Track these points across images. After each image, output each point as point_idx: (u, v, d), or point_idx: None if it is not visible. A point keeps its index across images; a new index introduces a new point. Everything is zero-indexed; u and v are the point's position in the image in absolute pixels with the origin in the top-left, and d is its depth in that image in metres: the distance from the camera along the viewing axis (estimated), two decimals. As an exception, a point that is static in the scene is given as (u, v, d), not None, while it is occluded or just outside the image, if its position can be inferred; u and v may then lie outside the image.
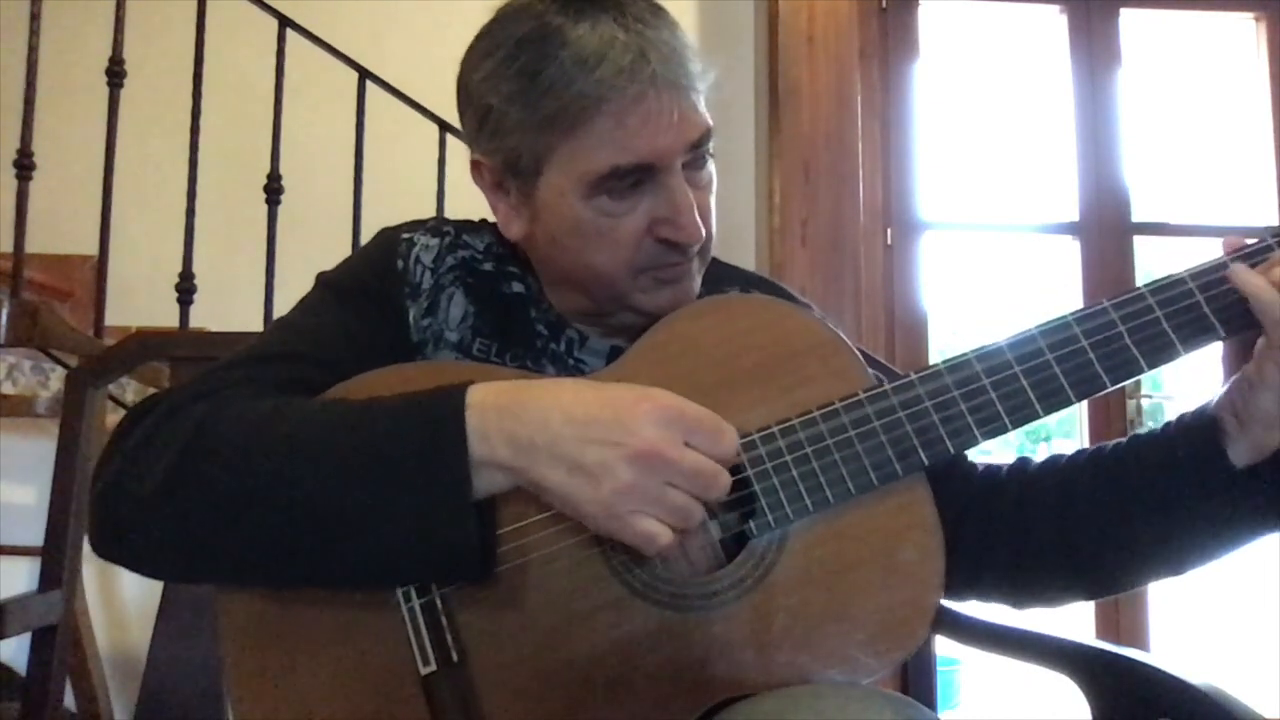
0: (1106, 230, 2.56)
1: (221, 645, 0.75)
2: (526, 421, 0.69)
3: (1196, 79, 2.90)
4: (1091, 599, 0.88)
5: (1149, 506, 0.79)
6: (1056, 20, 2.67)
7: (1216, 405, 0.78)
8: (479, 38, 0.83)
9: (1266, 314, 0.72)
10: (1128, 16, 2.66)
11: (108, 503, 0.72)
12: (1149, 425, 2.43)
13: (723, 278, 0.93)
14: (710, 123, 0.80)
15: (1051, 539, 0.83)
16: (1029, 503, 0.84)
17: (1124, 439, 0.84)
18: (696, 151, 0.80)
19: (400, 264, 0.86)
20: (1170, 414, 0.80)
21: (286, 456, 0.70)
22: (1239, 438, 0.76)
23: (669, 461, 0.67)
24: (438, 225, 0.90)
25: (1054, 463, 0.86)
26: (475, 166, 0.85)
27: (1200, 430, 0.78)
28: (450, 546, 0.69)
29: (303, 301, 0.88)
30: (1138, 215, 2.60)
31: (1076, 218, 2.59)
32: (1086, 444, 2.61)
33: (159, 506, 0.70)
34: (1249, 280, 0.73)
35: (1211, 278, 0.76)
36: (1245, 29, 2.74)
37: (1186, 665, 0.86)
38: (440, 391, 0.71)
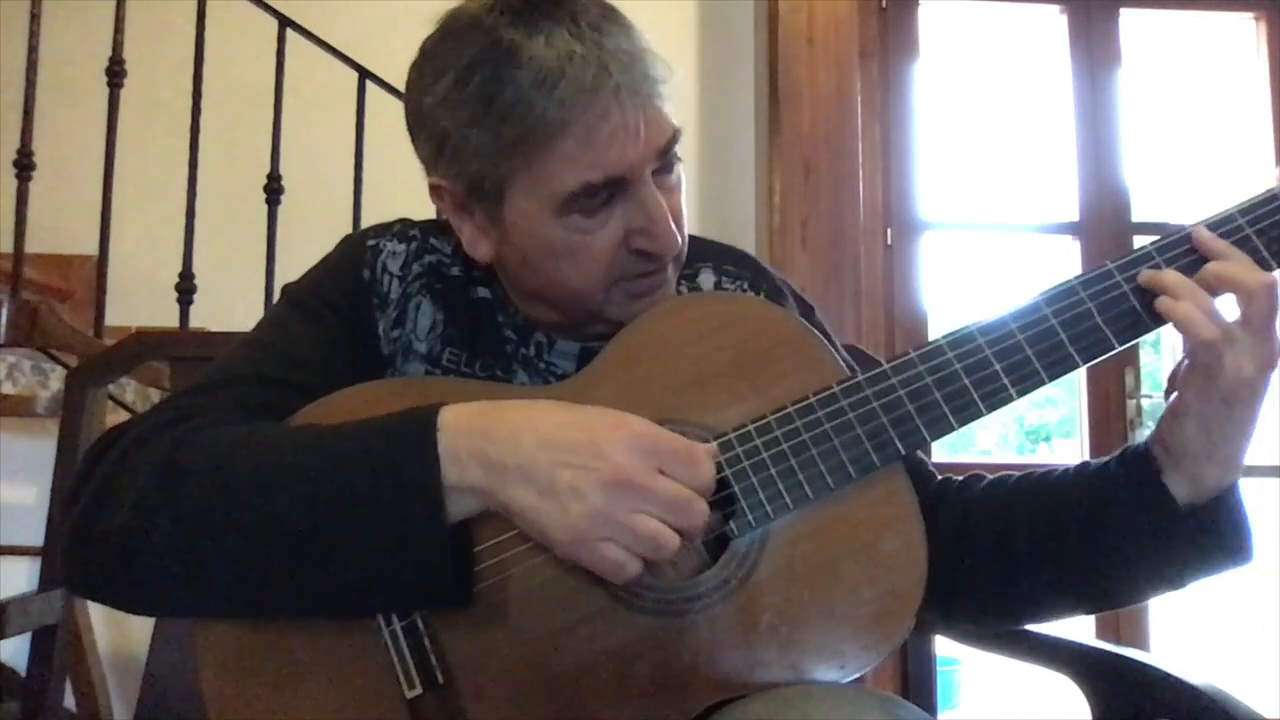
0: (1106, 230, 2.56)
1: (200, 677, 0.73)
2: (498, 442, 0.68)
3: (1196, 79, 2.89)
4: (1027, 624, 0.87)
5: (1086, 540, 0.78)
6: (1056, 20, 2.67)
7: (1151, 439, 0.77)
8: (426, 56, 0.79)
9: (1189, 326, 0.72)
10: (1128, 16, 2.66)
11: (79, 539, 0.71)
12: (1149, 425, 2.43)
13: (697, 255, 0.90)
14: (677, 125, 0.78)
15: (987, 562, 0.82)
16: (970, 524, 0.83)
17: (1072, 466, 0.83)
18: (665, 157, 0.77)
19: (367, 274, 0.84)
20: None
21: (257, 486, 0.68)
22: (1174, 472, 0.75)
23: (641, 489, 0.65)
24: (404, 229, 0.88)
25: (1000, 484, 0.85)
26: (435, 190, 0.82)
27: (1141, 464, 0.77)
28: (425, 575, 0.67)
29: (270, 317, 0.86)
30: (1138, 215, 2.60)
31: (1076, 218, 2.59)
32: (1087, 444, 2.61)
33: (130, 541, 0.68)
34: (1172, 307, 0.72)
35: (1176, 251, 0.76)
36: (1245, 29, 2.74)
37: (1186, 665, 0.86)
38: (411, 414, 0.70)
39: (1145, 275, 0.75)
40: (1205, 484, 0.74)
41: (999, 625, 0.86)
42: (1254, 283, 0.72)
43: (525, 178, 0.76)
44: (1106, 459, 0.81)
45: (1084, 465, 0.82)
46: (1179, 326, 0.72)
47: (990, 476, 0.87)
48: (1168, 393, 0.77)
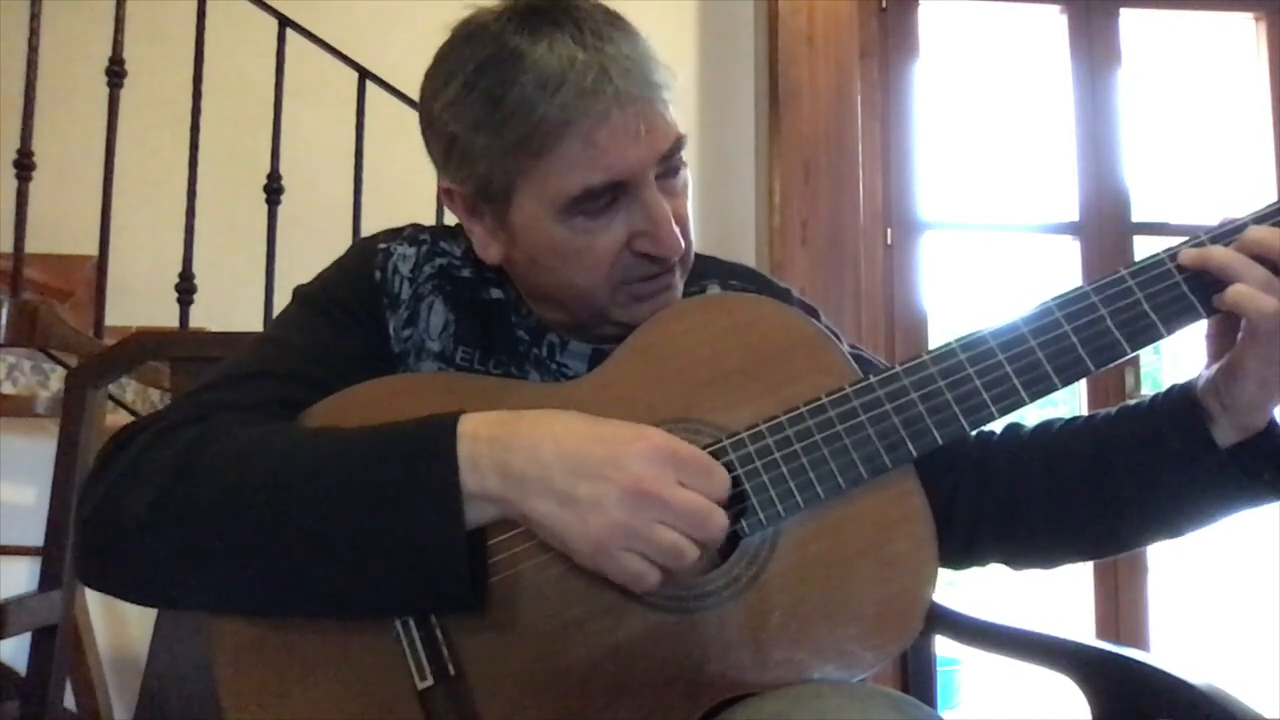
0: (1106, 230, 2.57)
1: (214, 666, 0.74)
2: (517, 452, 0.68)
3: (1196, 79, 2.89)
4: (1086, 560, 0.90)
5: (1136, 483, 0.80)
6: (1056, 20, 2.68)
7: (1200, 390, 0.78)
8: (437, 61, 0.81)
9: (1247, 306, 0.71)
10: (1128, 16, 2.66)
11: (94, 530, 0.71)
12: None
13: (703, 272, 0.92)
14: (681, 130, 0.79)
15: (1041, 507, 0.84)
16: (1019, 471, 0.85)
17: (1113, 409, 0.84)
18: (669, 162, 0.79)
19: (378, 275, 0.86)
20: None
21: (275, 488, 0.69)
22: (1223, 420, 0.77)
23: (660, 500, 0.66)
24: (414, 233, 0.90)
25: (1045, 430, 0.87)
26: (447, 194, 0.84)
27: (1185, 412, 0.78)
28: (441, 580, 0.68)
29: (282, 317, 0.87)
30: (1138, 215, 2.60)
31: (1076, 218, 2.59)
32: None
33: (146, 535, 0.69)
34: (1227, 263, 0.72)
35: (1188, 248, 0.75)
36: (1245, 29, 2.74)
37: (1186, 665, 0.86)
38: (430, 420, 0.71)
39: (1188, 253, 0.74)
40: (1253, 427, 0.76)
41: (1061, 560, 0.88)
42: None
43: (529, 180, 0.77)
44: (1153, 397, 0.82)
45: (1125, 407, 0.84)
46: (1238, 309, 0.71)
47: (1030, 425, 0.89)
48: (1211, 355, 0.77)
